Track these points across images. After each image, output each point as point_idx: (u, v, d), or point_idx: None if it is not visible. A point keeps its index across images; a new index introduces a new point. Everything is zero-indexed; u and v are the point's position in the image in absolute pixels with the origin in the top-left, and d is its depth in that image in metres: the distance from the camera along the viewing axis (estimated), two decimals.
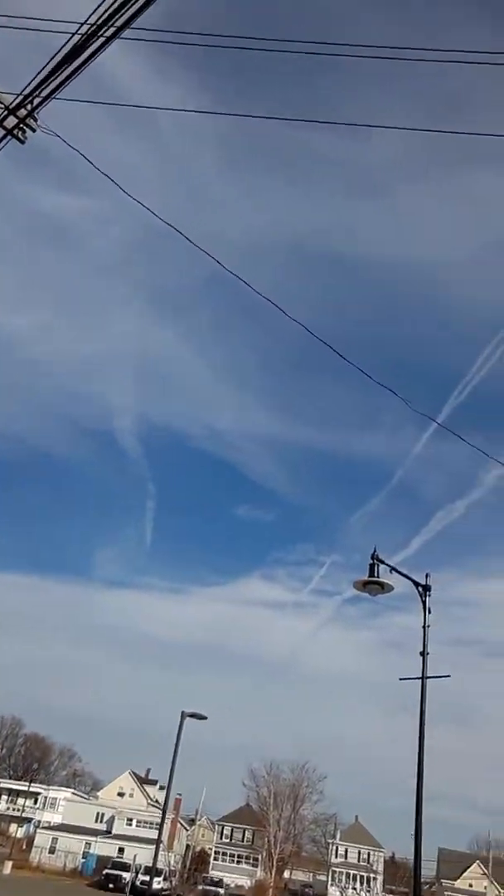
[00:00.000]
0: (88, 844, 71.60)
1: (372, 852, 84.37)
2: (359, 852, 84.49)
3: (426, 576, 13.41)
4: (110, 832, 74.14)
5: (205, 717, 27.23)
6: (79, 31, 5.99)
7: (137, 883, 53.99)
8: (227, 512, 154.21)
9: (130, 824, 75.53)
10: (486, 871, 79.02)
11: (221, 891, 65.69)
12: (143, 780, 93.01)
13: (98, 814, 78.57)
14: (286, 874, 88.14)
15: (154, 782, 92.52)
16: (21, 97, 6.72)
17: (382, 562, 13.12)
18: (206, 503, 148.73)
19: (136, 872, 57.59)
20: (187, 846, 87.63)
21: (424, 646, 12.35)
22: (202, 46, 8.35)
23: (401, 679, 12.55)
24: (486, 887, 78.17)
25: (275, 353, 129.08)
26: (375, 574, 13.00)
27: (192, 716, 26.77)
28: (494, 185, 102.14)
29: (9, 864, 57.50)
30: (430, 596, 13.30)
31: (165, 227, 8.64)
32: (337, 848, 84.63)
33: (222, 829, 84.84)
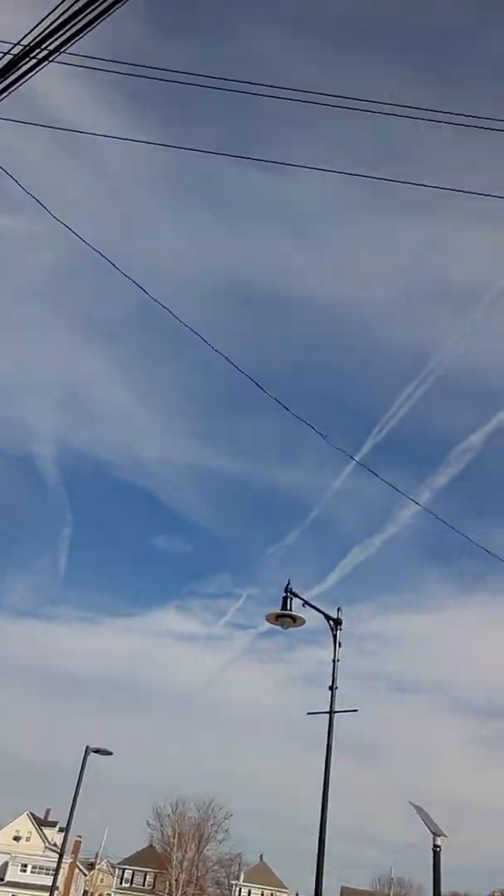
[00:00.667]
0: None
1: (276, 892, 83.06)
2: (262, 893, 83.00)
3: (338, 610, 13.60)
4: (2, 879, 69.92)
5: (110, 753, 26.30)
6: (10, 52, 5.97)
7: None
8: (146, 542, 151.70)
9: (25, 870, 71.51)
10: None
11: None
12: (42, 822, 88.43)
13: None
14: None
15: (54, 824, 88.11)
16: None
17: (296, 595, 13.22)
18: (124, 532, 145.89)
19: None
20: (85, 892, 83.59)
21: (333, 680, 12.45)
22: (144, 78, 8.47)
23: (308, 713, 12.58)
24: None
25: (202, 385, 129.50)
26: (289, 607, 13.07)
27: (97, 751, 25.80)
28: (418, 235, 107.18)
29: None
30: (340, 630, 13.48)
31: (91, 253, 8.61)
32: (240, 889, 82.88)
33: (122, 872, 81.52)
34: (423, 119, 8.17)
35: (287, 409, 10.68)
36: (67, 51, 6.32)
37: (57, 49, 5.78)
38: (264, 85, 8.95)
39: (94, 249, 8.74)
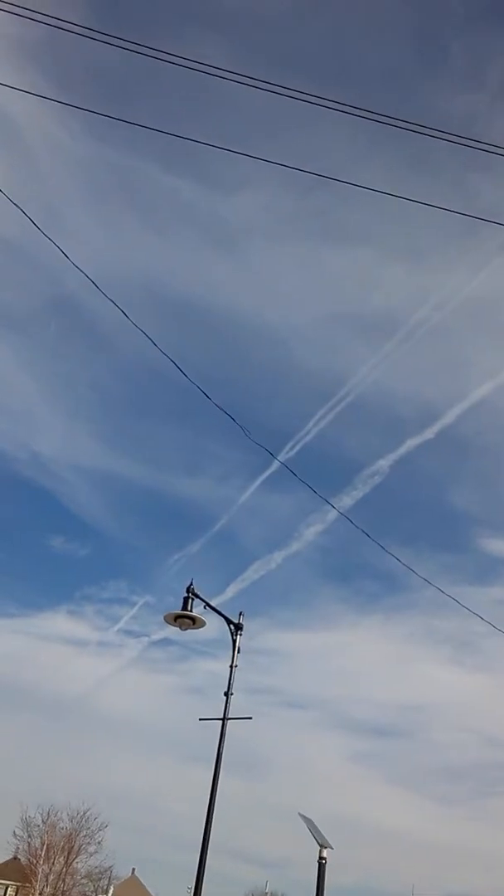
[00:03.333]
0: None
1: None
2: None
3: (240, 614, 13.31)
4: None
5: None
6: None
7: None
8: (41, 542, 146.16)
9: None
10: None
11: None
12: None
13: None
14: None
15: None
16: None
17: (198, 596, 12.80)
18: (18, 530, 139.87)
19: None
20: None
21: (230, 685, 12.12)
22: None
23: (201, 719, 12.17)
24: None
25: (112, 386, 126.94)
26: (189, 608, 12.64)
27: None
28: (342, 261, 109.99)
29: None
30: (241, 635, 13.19)
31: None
32: None
33: None
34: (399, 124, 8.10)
35: (208, 396, 10.33)
36: None
37: None
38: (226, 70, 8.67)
39: (49, 240, 8.12)
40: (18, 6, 8.58)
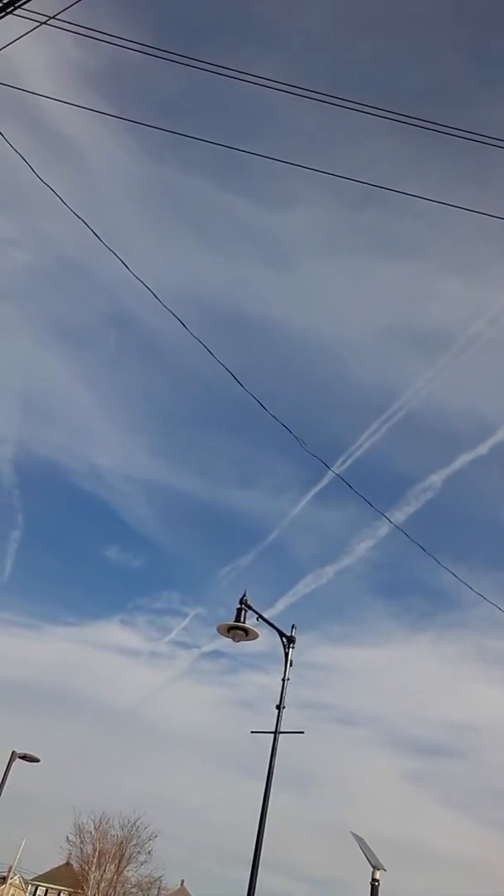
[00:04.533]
0: None
1: None
2: None
3: (292, 627, 13.22)
4: None
5: (37, 760, 25.20)
6: None
7: None
8: (96, 552, 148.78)
9: None
10: None
11: None
12: None
13: None
14: None
15: None
16: None
17: (251, 608, 12.78)
18: (75, 540, 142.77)
19: None
20: None
21: (282, 698, 12.02)
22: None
23: (252, 732, 12.11)
24: None
25: (168, 400, 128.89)
26: (242, 619, 12.63)
27: (23, 757, 24.71)
28: (396, 276, 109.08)
29: None
30: (293, 649, 13.10)
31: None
32: None
33: (35, 889, 78.62)
34: (437, 128, 8.02)
35: (265, 409, 10.35)
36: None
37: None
38: (268, 79, 8.74)
39: (140, 280, 8.35)
40: (82, 26, 8.86)
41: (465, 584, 14.68)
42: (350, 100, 9.22)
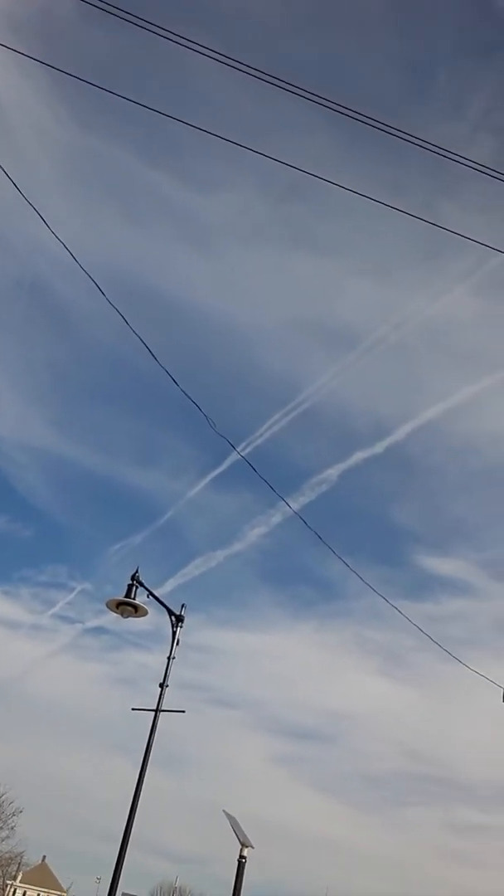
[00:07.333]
0: None
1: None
2: (38, 895, 79.82)
3: (182, 606, 13.18)
4: None
5: None
6: None
7: None
8: None
9: None
10: None
11: None
12: None
13: None
14: None
15: None
16: None
17: (142, 584, 12.64)
18: None
19: None
20: None
21: (165, 677, 11.98)
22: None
23: (133, 709, 12.00)
24: None
25: (73, 372, 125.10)
26: (133, 596, 12.46)
27: None
28: (312, 271, 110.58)
29: None
30: (181, 628, 13.07)
31: None
32: (15, 890, 79.14)
33: None
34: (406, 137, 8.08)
35: (184, 392, 10.17)
36: None
37: None
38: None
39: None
40: None
41: (356, 573, 15.18)
42: (285, 80, 9.15)
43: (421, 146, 9.14)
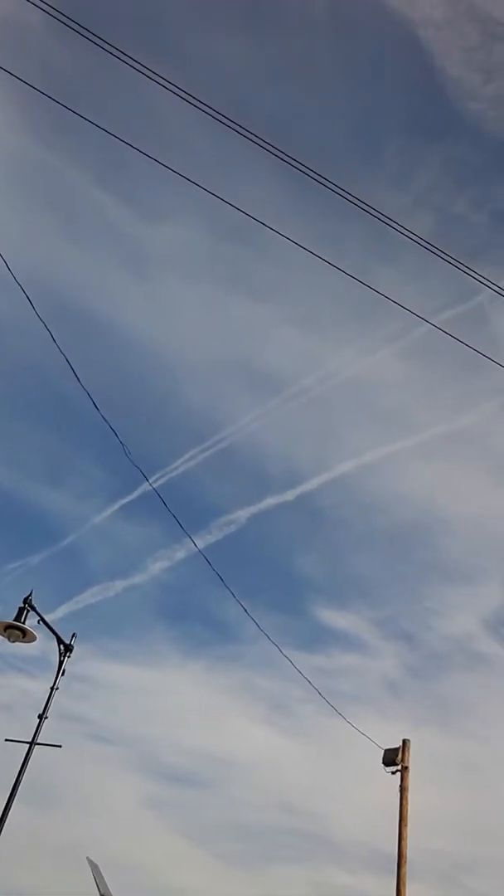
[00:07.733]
0: None
1: None
2: None
3: (72, 636, 12.67)
4: None
5: None
6: None
7: None
8: None
9: None
10: None
11: None
12: None
13: None
14: None
15: None
16: None
17: (34, 608, 12.06)
18: None
19: None
20: None
21: (46, 707, 11.39)
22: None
23: (7, 740, 11.30)
24: None
25: None
26: (23, 620, 11.86)
27: None
28: (248, 314, 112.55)
29: None
30: (69, 657, 12.54)
31: None
32: None
33: None
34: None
35: (96, 407, 9.96)
36: None
37: None
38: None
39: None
40: None
41: (253, 619, 15.08)
42: (241, 125, 9.37)
43: (365, 210, 9.52)
